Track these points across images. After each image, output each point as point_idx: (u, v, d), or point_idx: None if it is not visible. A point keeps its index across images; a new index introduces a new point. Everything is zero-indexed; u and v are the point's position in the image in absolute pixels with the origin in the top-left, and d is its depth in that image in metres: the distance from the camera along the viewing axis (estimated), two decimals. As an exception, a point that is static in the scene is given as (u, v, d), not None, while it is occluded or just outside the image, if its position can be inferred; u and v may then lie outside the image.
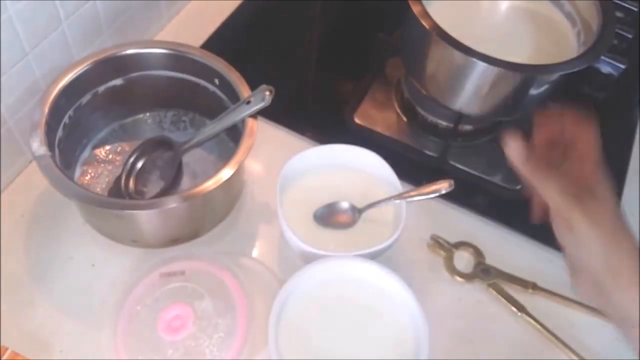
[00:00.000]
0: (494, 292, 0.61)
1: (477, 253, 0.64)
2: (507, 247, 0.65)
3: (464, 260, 0.64)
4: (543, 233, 0.66)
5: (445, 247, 0.64)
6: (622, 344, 0.60)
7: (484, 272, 0.63)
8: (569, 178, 0.42)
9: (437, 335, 0.57)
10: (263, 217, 0.66)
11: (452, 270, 0.63)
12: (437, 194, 0.58)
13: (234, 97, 0.62)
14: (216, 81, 0.64)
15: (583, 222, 0.40)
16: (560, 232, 0.42)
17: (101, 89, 0.64)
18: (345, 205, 0.61)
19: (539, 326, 0.59)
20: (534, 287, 0.62)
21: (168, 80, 0.66)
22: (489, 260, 0.63)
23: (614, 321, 0.42)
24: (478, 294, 0.62)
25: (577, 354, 0.57)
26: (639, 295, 0.39)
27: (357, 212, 0.61)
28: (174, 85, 0.66)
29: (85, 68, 0.61)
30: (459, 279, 0.62)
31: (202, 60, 0.63)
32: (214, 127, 0.61)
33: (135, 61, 0.64)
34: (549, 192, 0.42)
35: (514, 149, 0.43)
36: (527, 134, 0.46)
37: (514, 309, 0.60)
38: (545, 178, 0.42)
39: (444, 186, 0.57)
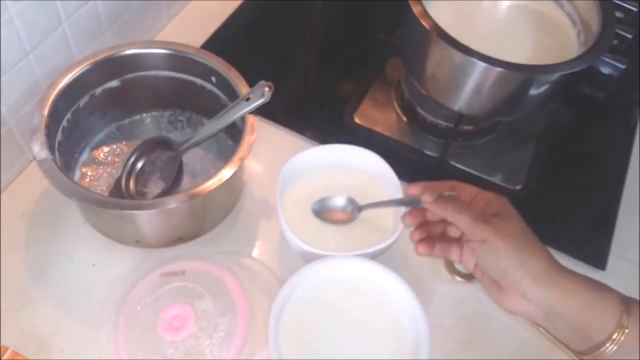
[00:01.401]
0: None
1: None
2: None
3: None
4: (543, 233, 0.66)
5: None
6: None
7: None
8: (476, 209, 0.49)
9: (437, 335, 0.57)
10: (263, 217, 0.66)
11: (452, 270, 0.63)
12: None
13: (232, 94, 0.62)
14: (213, 79, 0.64)
15: (497, 239, 0.46)
16: (478, 254, 0.47)
17: (98, 90, 0.64)
18: (341, 201, 0.61)
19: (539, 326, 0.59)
20: None
21: (164, 80, 0.66)
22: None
23: (542, 320, 0.47)
24: (478, 294, 0.62)
25: (577, 354, 0.57)
26: (558, 286, 0.45)
27: (356, 207, 0.60)
28: (170, 85, 0.66)
29: (82, 70, 0.61)
30: (459, 279, 0.62)
31: (199, 59, 0.63)
32: (213, 125, 0.61)
33: (132, 62, 0.64)
34: (462, 222, 0.47)
35: (426, 195, 0.50)
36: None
37: None
38: (458, 210, 0.48)
39: None
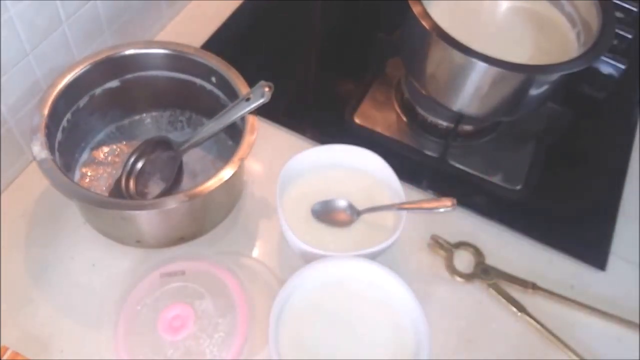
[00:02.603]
0: (494, 292, 0.61)
1: (477, 253, 0.64)
2: (507, 247, 0.65)
3: (464, 260, 0.64)
4: (543, 233, 0.67)
5: (445, 247, 0.64)
6: (622, 343, 0.60)
7: (484, 272, 0.63)
8: None
9: (437, 336, 0.57)
10: (263, 217, 0.66)
11: (452, 270, 0.63)
12: (437, 210, 0.58)
13: (232, 94, 0.62)
14: (213, 79, 0.64)
15: None
16: None
17: (98, 91, 0.64)
18: (342, 203, 0.61)
19: (539, 326, 0.59)
20: (534, 287, 0.62)
21: (164, 80, 0.66)
22: (489, 260, 0.63)
23: None
24: (478, 294, 0.62)
25: (577, 354, 0.57)
26: None
27: (355, 212, 0.61)
28: (170, 85, 0.66)
29: (82, 70, 0.61)
30: (458, 279, 0.62)
31: (199, 59, 0.63)
32: (213, 125, 0.61)
33: (131, 62, 0.64)
34: None
35: None
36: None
37: (514, 309, 0.60)
38: None
39: (445, 204, 0.57)
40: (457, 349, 0.58)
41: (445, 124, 0.73)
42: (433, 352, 0.51)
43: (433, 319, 0.52)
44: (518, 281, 0.62)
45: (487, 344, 0.59)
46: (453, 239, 0.64)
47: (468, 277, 0.62)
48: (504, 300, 0.61)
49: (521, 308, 0.60)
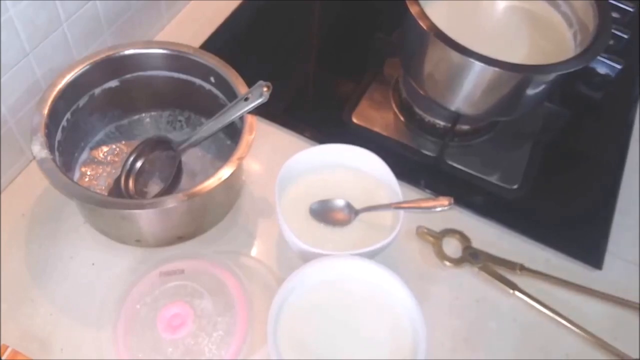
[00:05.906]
0: (486, 274, 0.62)
1: (464, 238, 0.65)
2: (503, 247, 0.65)
3: (451, 246, 0.65)
4: (539, 232, 0.67)
5: (433, 235, 0.64)
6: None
7: (472, 256, 0.63)
8: None
9: (435, 335, 0.57)
10: (262, 216, 0.66)
11: (442, 256, 0.63)
12: (435, 209, 0.58)
13: (231, 94, 0.62)
14: (212, 79, 0.64)
15: None
16: None
17: (97, 91, 0.64)
18: (340, 202, 0.61)
19: (532, 302, 0.60)
20: (521, 268, 0.63)
21: (163, 80, 0.66)
22: (475, 245, 0.64)
23: None
24: (476, 294, 0.62)
25: (574, 324, 0.59)
26: None
27: (353, 211, 0.61)
28: (169, 85, 0.67)
29: (82, 70, 0.61)
30: (447, 263, 0.63)
31: (197, 59, 0.64)
32: (212, 125, 0.62)
33: (131, 62, 0.64)
34: None
35: None
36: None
37: (507, 287, 0.61)
38: None
39: (443, 203, 0.58)
40: (455, 348, 0.59)
41: (442, 123, 0.74)
42: (431, 352, 0.51)
43: (431, 319, 0.53)
44: (506, 263, 0.63)
45: (485, 343, 0.59)
46: (438, 228, 0.65)
47: (456, 262, 0.63)
48: (496, 281, 0.62)
49: (514, 286, 0.61)
